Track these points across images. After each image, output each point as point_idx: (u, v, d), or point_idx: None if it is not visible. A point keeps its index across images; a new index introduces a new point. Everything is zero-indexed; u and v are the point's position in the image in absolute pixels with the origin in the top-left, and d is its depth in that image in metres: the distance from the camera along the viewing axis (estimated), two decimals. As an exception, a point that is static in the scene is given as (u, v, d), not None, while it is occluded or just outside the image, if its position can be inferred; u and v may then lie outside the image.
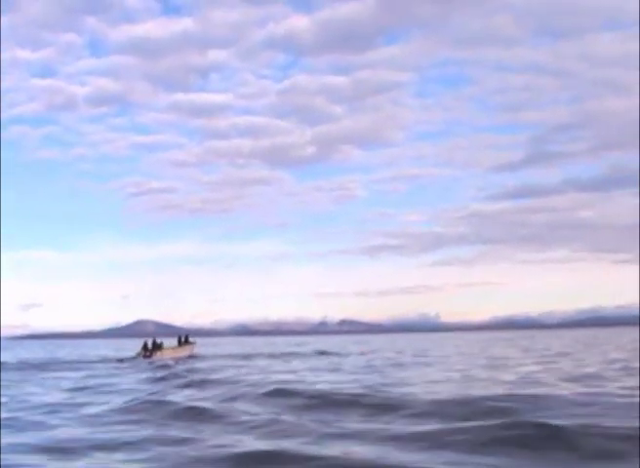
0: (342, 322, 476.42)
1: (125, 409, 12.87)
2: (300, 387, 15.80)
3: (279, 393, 14.41)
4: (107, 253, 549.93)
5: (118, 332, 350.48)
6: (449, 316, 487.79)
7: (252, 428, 10.17)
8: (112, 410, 12.87)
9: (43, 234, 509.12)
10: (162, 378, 22.00)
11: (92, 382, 21.10)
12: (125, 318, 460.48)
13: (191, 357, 41.29)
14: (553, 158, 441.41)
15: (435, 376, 20.61)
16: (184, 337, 44.59)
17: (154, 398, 14.71)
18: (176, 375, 22.97)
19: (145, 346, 41.15)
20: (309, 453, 7.79)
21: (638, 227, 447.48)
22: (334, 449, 8.20)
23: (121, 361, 37.40)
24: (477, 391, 14.88)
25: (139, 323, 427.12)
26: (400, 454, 7.91)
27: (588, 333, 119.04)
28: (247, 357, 40.67)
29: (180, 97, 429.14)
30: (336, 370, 26.08)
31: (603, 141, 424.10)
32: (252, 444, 8.76)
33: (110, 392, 17.29)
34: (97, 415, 12.23)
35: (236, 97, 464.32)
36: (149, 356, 40.05)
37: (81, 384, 20.27)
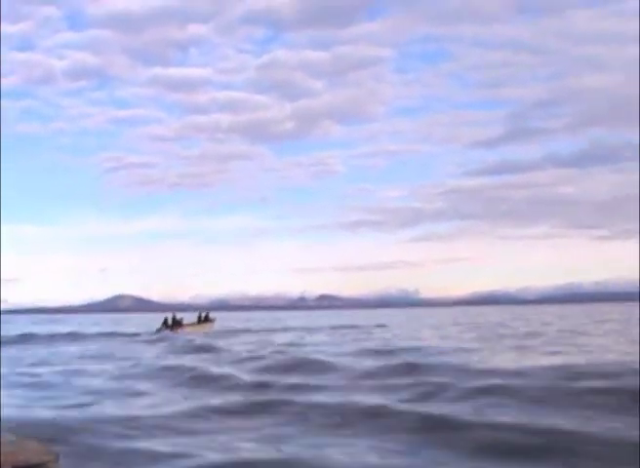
0: (322, 297, 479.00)
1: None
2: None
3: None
4: (86, 228, 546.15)
5: (96, 307, 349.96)
6: (428, 291, 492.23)
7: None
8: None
9: (22, 208, 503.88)
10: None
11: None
12: (103, 293, 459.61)
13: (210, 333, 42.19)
14: (532, 134, 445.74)
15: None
16: (205, 315, 45.41)
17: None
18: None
19: (166, 322, 41.86)
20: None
21: (616, 203, 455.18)
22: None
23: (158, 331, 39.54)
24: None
25: (117, 297, 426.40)
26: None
27: (571, 309, 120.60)
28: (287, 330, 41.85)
29: (159, 71, 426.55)
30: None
31: (582, 118, 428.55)
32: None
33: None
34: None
35: (216, 71, 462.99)
36: (171, 331, 40.81)
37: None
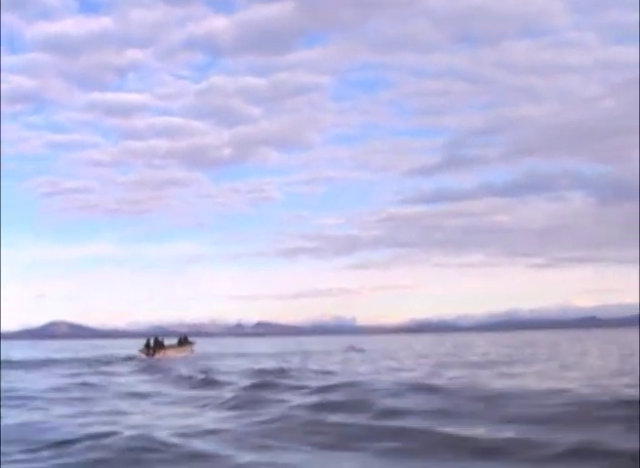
0: (259, 324, 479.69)
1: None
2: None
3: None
4: (23, 254, 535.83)
5: (32, 334, 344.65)
6: (365, 319, 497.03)
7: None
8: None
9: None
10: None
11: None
12: (39, 319, 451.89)
13: (191, 356, 45.26)
14: (469, 163, 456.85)
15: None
16: (184, 337, 48.79)
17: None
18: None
19: (148, 344, 44.93)
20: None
21: (551, 232, 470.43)
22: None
23: (130, 359, 40.88)
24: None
25: (53, 324, 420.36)
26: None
27: (506, 336, 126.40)
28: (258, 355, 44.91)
29: (96, 96, 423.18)
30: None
31: (517, 147, 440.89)
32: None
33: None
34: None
35: (153, 97, 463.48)
36: (152, 355, 43.39)
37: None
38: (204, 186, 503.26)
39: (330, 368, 28.41)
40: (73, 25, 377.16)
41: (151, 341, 45.16)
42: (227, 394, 16.36)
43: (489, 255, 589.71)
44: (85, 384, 20.56)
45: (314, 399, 14.82)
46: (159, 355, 43.70)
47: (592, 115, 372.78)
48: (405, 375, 22.71)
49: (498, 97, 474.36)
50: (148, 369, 31.03)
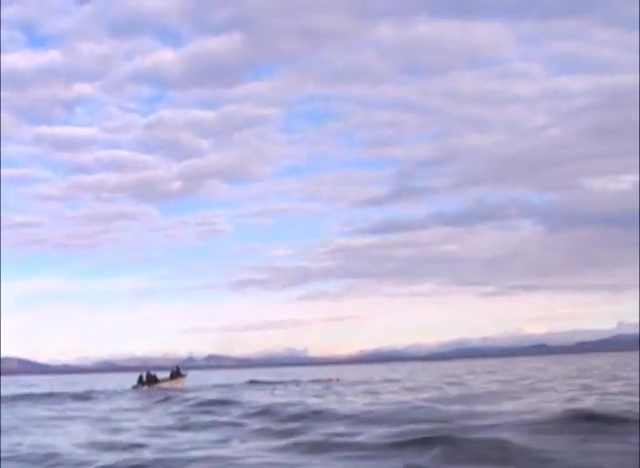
0: (210, 357, 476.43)
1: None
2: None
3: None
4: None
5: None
6: (317, 350, 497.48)
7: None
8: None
9: None
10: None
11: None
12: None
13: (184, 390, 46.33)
14: (418, 193, 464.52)
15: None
16: (176, 370, 50.25)
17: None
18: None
19: (141, 379, 46.56)
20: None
21: (500, 260, 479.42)
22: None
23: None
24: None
25: (3, 360, 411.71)
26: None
27: (457, 365, 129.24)
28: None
29: (44, 129, 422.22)
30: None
31: (466, 177, 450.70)
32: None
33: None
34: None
35: (102, 130, 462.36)
36: (146, 388, 44.96)
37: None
38: (153, 220, 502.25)
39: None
40: (20, 59, 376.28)
41: (144, 377, 46.82)
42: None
43: (439, 285, 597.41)
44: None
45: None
46: (152, 389, 45.00)
47: (539, 144, 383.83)
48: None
49: (446, 128, 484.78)
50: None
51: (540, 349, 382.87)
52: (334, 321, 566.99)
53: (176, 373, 50.01)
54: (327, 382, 50.42)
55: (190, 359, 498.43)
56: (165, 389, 44.26)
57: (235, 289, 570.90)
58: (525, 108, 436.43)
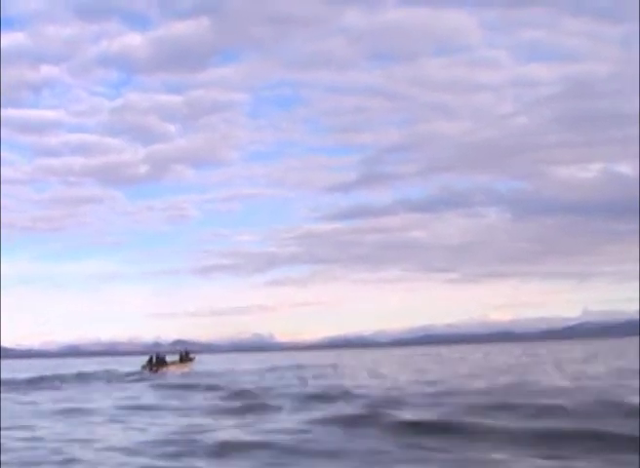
0: (177, 342, 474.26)
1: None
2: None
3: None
4: None
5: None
6: (283, 336, 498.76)
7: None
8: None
9: None
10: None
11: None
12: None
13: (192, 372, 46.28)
14: (385, 179, 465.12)
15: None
16: (185, 353, 50.85)
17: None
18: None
19: (151, 360, 47.09)
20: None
21: (466, 247, 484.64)
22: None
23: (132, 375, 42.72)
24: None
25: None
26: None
27: (422, 351, 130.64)
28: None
29: (10, 112, 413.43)
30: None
31: (433, 163, 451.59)
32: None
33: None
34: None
35: (68, 114, 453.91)
36: (155, 371, 45.43)
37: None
38: (120, 204, 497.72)
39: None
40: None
41: (154, 358, 47.36)
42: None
43: (406, 271, 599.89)
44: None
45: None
46: (161, 371, 45.54)
47: (506, 132, 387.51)
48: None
49: (413, 114, 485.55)
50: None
51: (505, 336, 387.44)
52: (300, 306, 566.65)
53: (185, 357, 50.43)
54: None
55: (156, 344, 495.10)
56: (172, 371, 44.91)
57: (202, 274, 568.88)
58: (492, 96, 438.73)
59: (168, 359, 49.05)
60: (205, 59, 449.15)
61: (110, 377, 41.19)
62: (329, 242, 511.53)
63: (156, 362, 47.51)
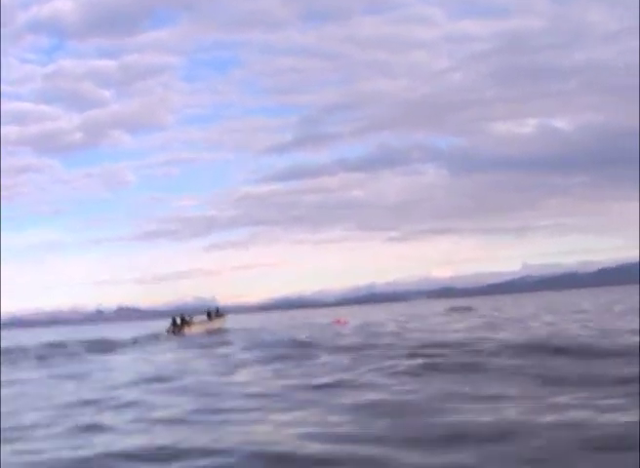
0: (120, 309, 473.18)
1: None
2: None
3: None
4: None
5: None
6: (226, 299, 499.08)
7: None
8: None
9: None
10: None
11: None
12: None
13: (222, 330, 45.96)
14: (322, 139, 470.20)
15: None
16: (215, 310, 50.37)
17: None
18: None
19: (174, 322, 47.39)
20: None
21: (405, 205, 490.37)
22: None
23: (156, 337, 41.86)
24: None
25: None
26: None
27: (364, 310, 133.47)
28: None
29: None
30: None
31: (370, 122, 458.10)
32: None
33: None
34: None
35: (1, 82, 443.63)
36: (178, 332, 45.13)
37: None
38: (57, 172, 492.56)
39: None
40: None
41: (177, 319, 47.88)
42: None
43: (346, 230, 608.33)
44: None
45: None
46: (184, 332, 46.20)
47: (441, 89, 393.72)
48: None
49: (349, 74, 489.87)
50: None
51: (446, 292, 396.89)
52: (242, 269, 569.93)
53: (215, 314, 49.91)
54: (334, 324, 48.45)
55: (99, 312, 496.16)
56: (197, 332, 45.09)
57: (143, 240, 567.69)
58: (427, 53, 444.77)
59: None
60: (138, 23, 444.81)
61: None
62: (268, 204, 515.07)
63: (181, 323, 47.24)
